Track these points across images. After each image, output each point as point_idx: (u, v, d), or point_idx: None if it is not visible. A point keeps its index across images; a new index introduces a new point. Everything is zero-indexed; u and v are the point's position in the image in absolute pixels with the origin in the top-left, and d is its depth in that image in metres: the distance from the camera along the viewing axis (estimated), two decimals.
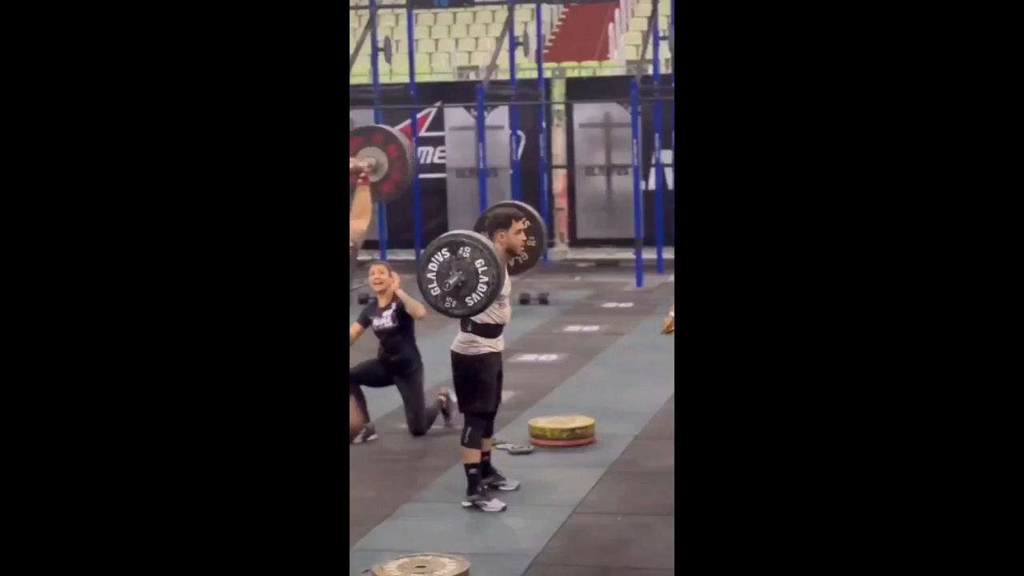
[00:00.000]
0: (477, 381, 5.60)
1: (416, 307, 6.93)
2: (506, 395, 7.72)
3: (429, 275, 5.54)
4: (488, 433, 5.73)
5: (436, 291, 5.52)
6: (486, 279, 5.45)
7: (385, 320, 7.14)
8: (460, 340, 5.66)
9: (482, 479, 5.58)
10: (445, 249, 5.55)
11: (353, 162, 5.49)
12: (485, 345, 5.59)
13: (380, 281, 7.12)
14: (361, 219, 5.40)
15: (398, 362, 7.00)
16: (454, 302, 5.47)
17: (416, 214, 13.72)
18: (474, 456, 5.57)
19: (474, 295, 5.48)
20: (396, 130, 6.22)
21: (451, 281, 5.42)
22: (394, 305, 7.10)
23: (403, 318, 7.08)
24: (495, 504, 5.51)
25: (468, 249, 5.53)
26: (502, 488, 5.68)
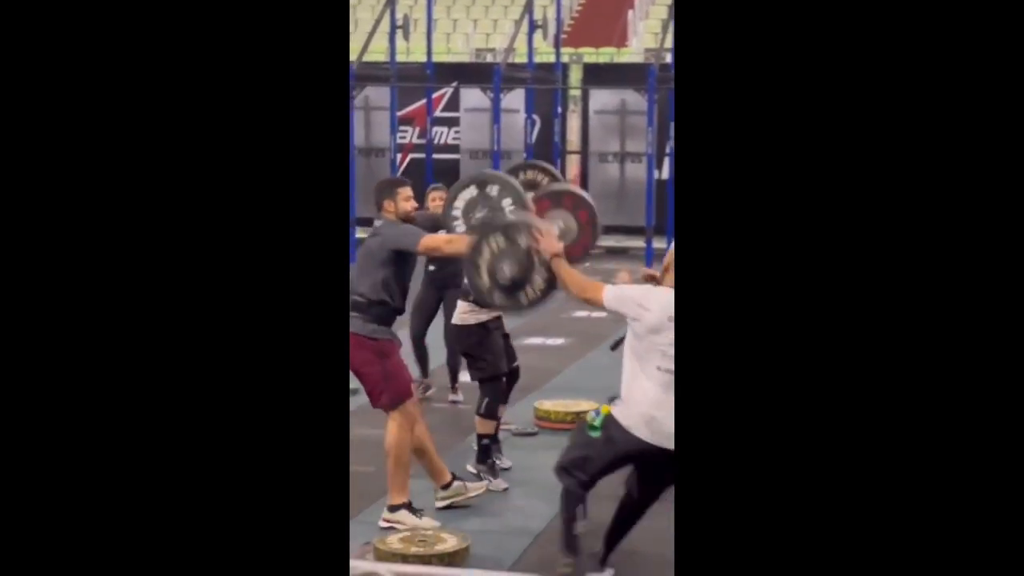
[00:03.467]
0: (486, 344, 5.60)
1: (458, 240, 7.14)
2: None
3: (455, 212, 5.05)
4: (504, 400, 5.74)
5: (461, 228, 5.00)
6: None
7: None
8: (461, 311, 5.69)
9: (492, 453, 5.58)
10: (473, 186, 5.11)
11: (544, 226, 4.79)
12: (484, 312, 5.60)
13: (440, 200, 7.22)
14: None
15: (451, 273, 6.88)
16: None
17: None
18: (489, 427, 5.57)
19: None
20: (586, 194, 5.94)
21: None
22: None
23: None
24: (499, 483, 5.52)
25: (496, 187, 5.07)
26: (498, 462, 5.68)
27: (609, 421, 4.23)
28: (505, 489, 5.49)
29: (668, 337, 4.06)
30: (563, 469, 4.29)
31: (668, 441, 3.97)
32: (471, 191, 5.12)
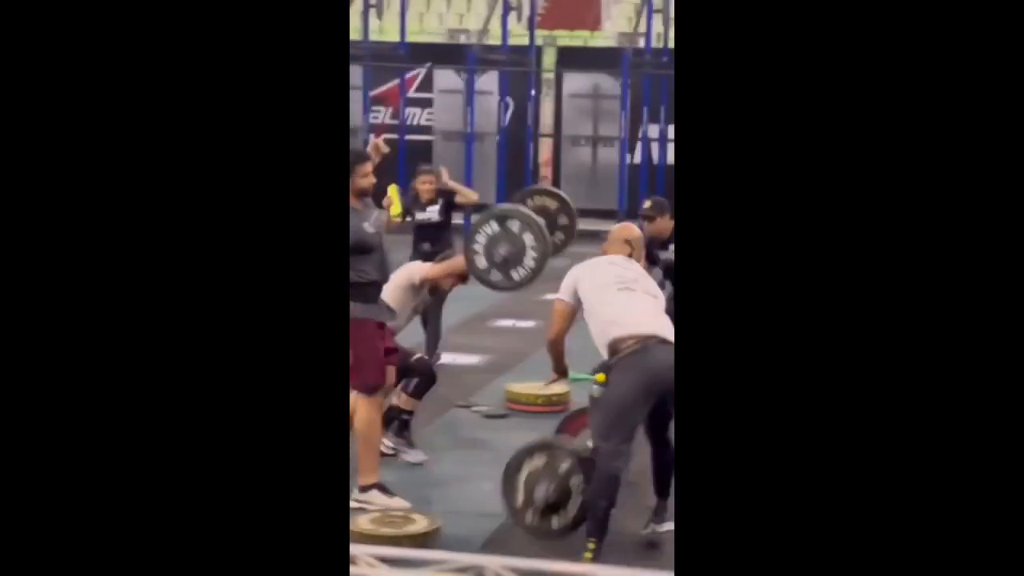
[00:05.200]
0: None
1: (469, 193, 7.26)
2: (482, 358, 7.74)
3: (476, 247, 5.53)
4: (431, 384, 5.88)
5: (483, 263, 5.54)
6: (534, 254, 5.45)
7: (432, 214, 7.34)
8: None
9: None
10: (494, 222, 5.55)
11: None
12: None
13: (430, 183, 7.39)
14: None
15: (438, 253, 7.18)
16: (501, 276, 5.47)
17: (401, 175, 13.66)
18: (414, 405, 5.72)
19: (520, 269, 5.48)
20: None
21: (500, 253, 5.42)
22: (441, 200, 7.33)
23: (448, 212, 7.33)
24: (416, 454, 5.59)
25: (517, 223, 5.54)
26: (404, 453, 5.71)
27: (605, 369, 4.46)
28: (422, 462, 5.55)
29: (613, 270, 4.64)
30: (596, 450, 4.33)
31: (667, 333, 4.38)
32: (492, 227, 5.53)
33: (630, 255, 4.83)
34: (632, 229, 5.08)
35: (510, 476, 4.55)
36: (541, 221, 5.63)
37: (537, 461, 4.52)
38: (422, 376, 5.75)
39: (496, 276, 5.51)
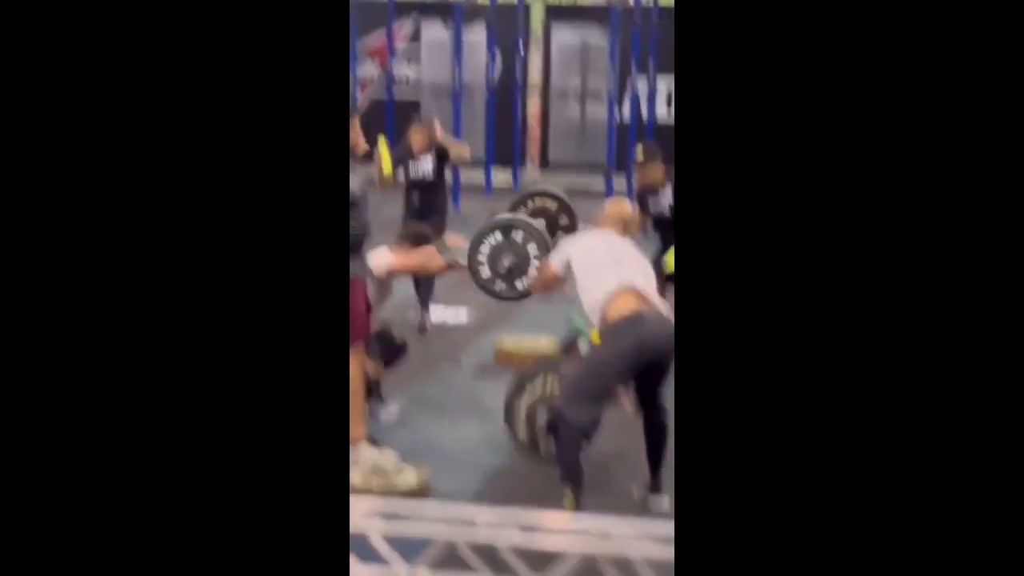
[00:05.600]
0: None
1: (463, 151, 7.11)
2: (471, 313, 7.75)
3: (480, 258, 5.67)
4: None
5: (487, 274, 5.70)
6: (538, 264, 5.56)
7: (425, 169, 7.25)
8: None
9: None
10: (498, 232, 5.70)
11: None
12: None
13: (422, 135, 7.22)
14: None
15: (430, 211, 7.16)
16: (504, 285, 5.64)
17: (389, 129, 13.61)
18: (380, 375, 5.66)
19: (525, 279, 5.65)
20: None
21: (504, 264, 5.59)
22: (433, 153, 7.17)
23: (441, 169, 7.20)
24: (392, 409, 5.61)
25: (521, 233, 5.68)
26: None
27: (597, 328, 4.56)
28: (399, 418, 5.57)
29: (606, 247, 4.69)
30: (566, 404, 4.44)
31: (658, 306, 4.48)
32: (496, 237, 5.69)
33: (623, 232, 4.84)
34: (626, 206, 5.10)
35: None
36: (545, 230, 5.75)
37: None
38: (392, 347, 5.71)
39: (500, 286, 5.66)
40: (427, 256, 5.61)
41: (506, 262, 5.56)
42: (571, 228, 6.46)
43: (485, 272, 5.65)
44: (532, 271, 5.60)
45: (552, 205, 6.49)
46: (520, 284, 5.62)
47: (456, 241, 6.00)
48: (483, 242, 5.64)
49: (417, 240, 5.64)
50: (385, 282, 5.57)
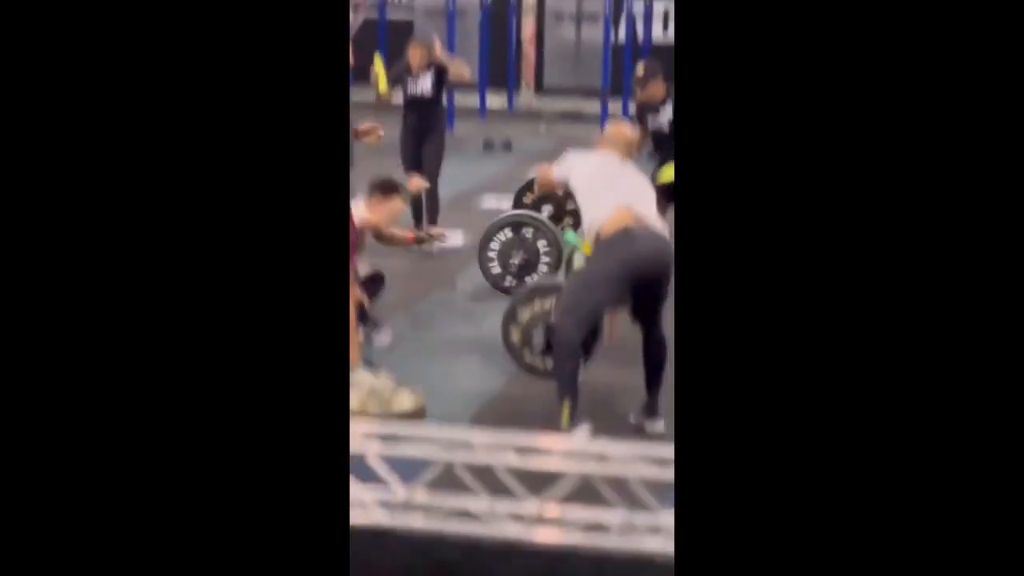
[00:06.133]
0: None
1: (462, 69, 7.05)
2: (465, 236, 7.72)
3: (490, 254, 5.83)
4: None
5: (497, 270, 5.86)
6: (547, 260, 5.72)
7: (424, 87, 7.12)
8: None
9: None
10: (508, 229, 5.82)
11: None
12: None
13: (421, 52, 7.13)
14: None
15: (428, 130, 7.09)
16: (515, 281, 5.81)
17: (383, 51, 13.46)
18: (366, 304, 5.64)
19: (535, 275, 5.79)
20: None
21: (514, 262, 5.79)
22: (432, 71, 7.07)
23: (440, 86, 7.12)
24: (384, 335, 5.61)
25: (531, 230, 5.82)
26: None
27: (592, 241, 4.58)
28: (389, 344, 5.55)
29: (607, 167, 4.69)
30: (560, 319, 4.45)
31: (653, 222, 4.50)
32: (506, 233, 5.86)
33: (624, 155, 4.80)
34: (626, 129, 5.05)
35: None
36: (554, 227, 5.77)
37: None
38: (373, 279, 5.65)
39: (510, 282, 5.81)
40: (390, 212, 5.36)
41: (516, 259, 5.70)
42: (580, 212, 6.46)
43: (496, 268, 5.80)
44: (542, 267, 5.79)
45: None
46: (530, 280, 5.73)
47: (416, 184, 5.87)
48: (493, 239, 5.74)
49: (386, 190, 5.43)
50: (362, 236, 5.40)
